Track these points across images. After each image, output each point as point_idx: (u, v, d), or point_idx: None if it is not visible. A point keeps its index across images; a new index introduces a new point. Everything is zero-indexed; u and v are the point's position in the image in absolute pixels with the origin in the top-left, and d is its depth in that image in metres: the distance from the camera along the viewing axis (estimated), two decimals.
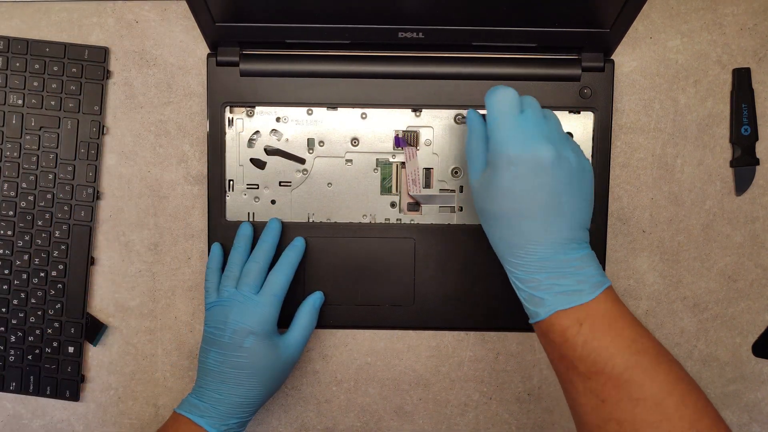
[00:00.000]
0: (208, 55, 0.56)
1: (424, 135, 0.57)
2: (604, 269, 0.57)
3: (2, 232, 0.58)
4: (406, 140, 0.57)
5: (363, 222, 0.58)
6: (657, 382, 0.40)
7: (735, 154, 0.59)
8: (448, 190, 0.58)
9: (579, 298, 0.42)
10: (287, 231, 0.57)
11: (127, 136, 0.59)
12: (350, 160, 0.58)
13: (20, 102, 0.58)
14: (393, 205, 0.58)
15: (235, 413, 0.50)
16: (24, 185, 0.58)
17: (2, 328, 0.59)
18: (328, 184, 0.58)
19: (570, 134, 0.57)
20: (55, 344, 0.59)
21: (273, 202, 0.58)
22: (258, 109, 0.57)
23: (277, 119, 0.57)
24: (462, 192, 0.58)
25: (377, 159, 0.58)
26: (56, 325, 0.59)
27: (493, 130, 0.44)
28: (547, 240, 0.43)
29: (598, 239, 0.57)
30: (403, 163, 0.58)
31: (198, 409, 0.50)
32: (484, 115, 0.48)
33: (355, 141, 0.57)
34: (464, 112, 0.57)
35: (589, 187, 0.46)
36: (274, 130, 0.57)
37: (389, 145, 0.57)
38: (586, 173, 0.46)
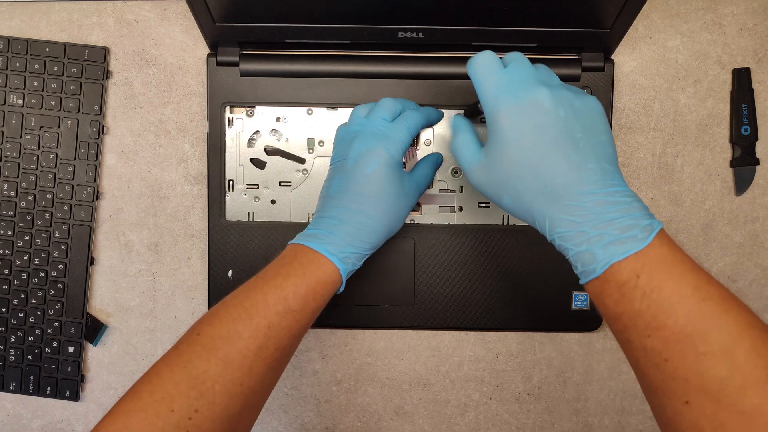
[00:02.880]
0: (208, 55, 0.56)
1: (424, 135, 0.57)
2: None
3: (2, 232, 0.58)
4: None
5: None
6: (725, 330, 0.36)
7: (735, 154, 0.59)
8: (448, 190, 0.58)
9: (633, 245, 0.37)
10: (287, 230, 0.57)
11: (127, 136, 0.59)
12: None
13: (20, 102, 0.58)
14: None
15: (353, 242, 0.47)
16: (24, 185, 0.58)
17: (2, 328, 0.59)
18: None
19: None
20: (55, 344, 0.59)
21: (273, 202, 0.58)
22: (258, 109, 0.57)
23: (277, 119, 0.57)
24: (462, 192, 0.58)
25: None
26: (56, 324, 0.59)
27: (483, 92, 0.42)
28: (580, 183, 0.39)
29: None
30: (403, 163, 0.58)
31: (315, 237, 0.47)
32: (474, 110, 0.49)
33: None
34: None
35: (601, 121, 0.42)
36: (274, 130, 0.57)
37: None
38: (592, 108, 0.42)
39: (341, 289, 0.48)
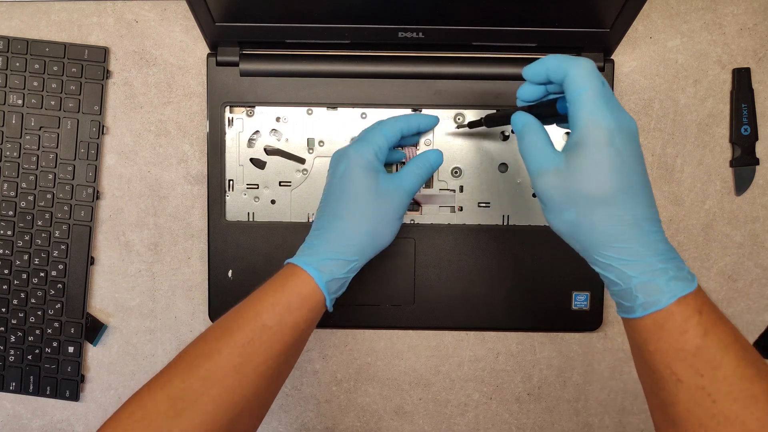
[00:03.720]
0: (208, 55, 0.56)
1: (424, 135, 0.57)
2: None
3: (2, 232, 0.58)
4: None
5: None
6: (766, 379, 0.37)
7: (735, 154, 0.59)
8: (448, 190, 0.58)
9: (690, 284, 0.38)
10: (287, 230, 0.57)
11: (127, 136, 0.59)
12: None
13: (20, 102, 0.58)
14: None
15: (333, 249, 0.46)
16: (24, 185, 0.58)
17: (2, 328, 0.59)
18: None
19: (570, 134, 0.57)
20: (54, 344, 0.59)
21: (273, 202, 0.58)
22: (258, 109, 0.57)
23: (277, 119, 0.57)
24: (462, 192, 0.58)
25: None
26: (56, 324, 0.59)
27: (585, 103, 0.39)
28: (649, 216, 0.39)
29: None
30: (403, 163, 0.58)
31: (300, 251, 0.47)
32: (534, 112, 0.44)
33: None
34: (464, 112, 0.57)
35: None
36: (273, 130, 0.57)
37: None
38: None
39: (329, 304, 0.46)
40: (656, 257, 0.38)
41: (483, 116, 0.52)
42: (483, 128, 0.55)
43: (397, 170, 0.56)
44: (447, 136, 0.57)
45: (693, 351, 0.37)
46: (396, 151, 0.55)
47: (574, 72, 0.39)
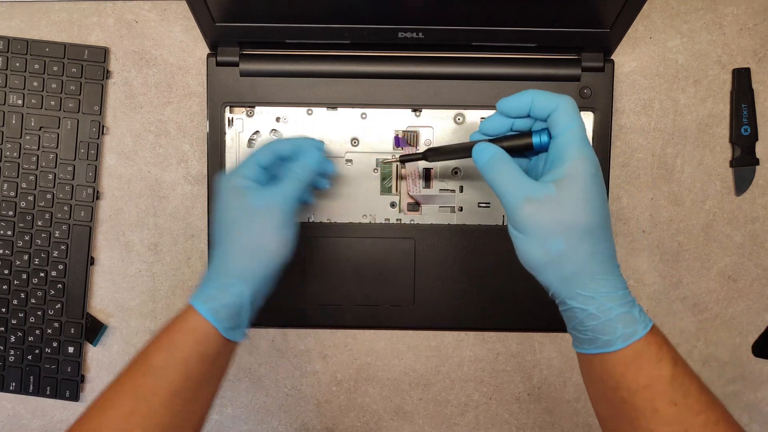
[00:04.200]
0: (208, 55, 0.56)
1: (424, 135, 0.57)
2: None
3: (2, 232, 0.58)
4: (406, 140, 0.57)
5: (363, 222, 0.58)
6: (720, 405, 0.40)
7: (735, 154, 0.59)
8: (448, 190, 0.58)
9: (649, 316, 0.40)
10: None
11: (127, 136, 0.59)
12: (350, 160, 0.58)
13: (20, 102, 0.58)
14: (393, 205, 0.58)
15: (215, 279, 0.44)
16: (24, 185, 0.58)
17: (2, 328, 0.59)
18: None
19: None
20: (54, 344, 0.59)
21: None
22: (258, 109, 0.57)
23: (277, 119, 0.57)
24: (462, 192, 0.58)
25: (377, 159, 0.58)
26: (56, 325, 0.59)
27: (576, 138, 0.40)
28: (614, 247, 0.41)
29: None
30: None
31: (195, 293, 0.45)
32: (502, 145, 0.44)
33: (355, 141, 0.57)
34: (464, 111, 0.57)
35: None
36: (273, 130, 0.57)
37: (389, 145, 0.57)
38: None
39: (224, 332, 0.43)
40: (626, 290, 0.40)
41: (425, 150, 0.49)
42: (422, 162, 0.53)
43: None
44: (447, 136, 0.57)
45: (669, 379, 0.38)
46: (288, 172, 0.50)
47: (564, 108, 0.41)
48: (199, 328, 0.43)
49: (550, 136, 0.42)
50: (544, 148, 0.42)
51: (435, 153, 0.49)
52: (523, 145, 0.43)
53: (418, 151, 0.52)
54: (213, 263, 0.46)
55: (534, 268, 0.41)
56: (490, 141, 0.44)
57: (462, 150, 0.46)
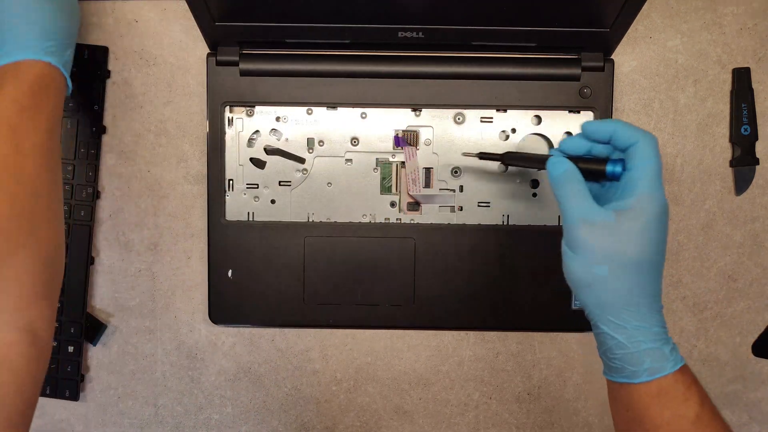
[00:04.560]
0: (208, 55, 0.56)
1: (424, 135, 0.57)
2: None
3: None
4: (405, 140, 0.57)
5: (363, 222, 0.58)
6: None
7: (735, 153, 0.59)
8: (448, 189, 0.58)
9: (680, 356, 0.42)
10: (287, 230, 0.57)
11: (127, 135, 0.59)
12: (350, 160, 0.58)
13: None
14: (393, 204, 0.58)
15: (39, 34, 0.45)
16: None
17: None
18: (328, 183, 0.58)
19: (570, 134, 0.57)
20: (54, 344, 0.59)
21: (273, 201, 0.58)
22: (258, 108, 0.57)
23: (277, 119, 0.57)
24: (462, 192, 0.58)
25: (377, 159, 0.58)
26: (56, 324, 0.58)
27: (650, 175, 0.41)
28: (660, 291, 0.42)
29: None
30: (403, 163, 0.58)
31: (4, 52, 0.45)
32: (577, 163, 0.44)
33: (355, 141, 0.57)
34: (464, 111, 0.57)
35: None
36: (273, 130, 0.57)
37: (389, 144, 0.57)
38: None
39: (70, 87, 0.47)
40: (662, 328, 0.41)
41: (503, 153, 0.52)
42: (497, 163, 0.55)
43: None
44: (447, 135, 0.57)
45: (693, 419, 0.39)
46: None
47: (645, 144, 0.42)
48: (56, 79, 0.45)
49: (623, 168, 0.42)
50: (615, 178, 0.43)
51: (512, 158, 0.52)
52: (596, 170, 0.43)
53: (496, 152, 0.53)
54: (40, 25, 0.45)
55: (575, 286, 0.42)
56: (572, 156, 0.45)
57: (538, 160, 0.47)
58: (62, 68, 0.46)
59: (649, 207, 0.40)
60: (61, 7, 0.47)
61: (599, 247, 0.40)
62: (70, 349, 0.59)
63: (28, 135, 0.43)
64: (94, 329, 0.59)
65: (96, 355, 0.60)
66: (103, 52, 0.58)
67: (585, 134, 0.44)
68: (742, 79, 0.58)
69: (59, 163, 0.46)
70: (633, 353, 0.40)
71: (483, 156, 0.54)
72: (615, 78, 0.57)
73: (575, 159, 0.44)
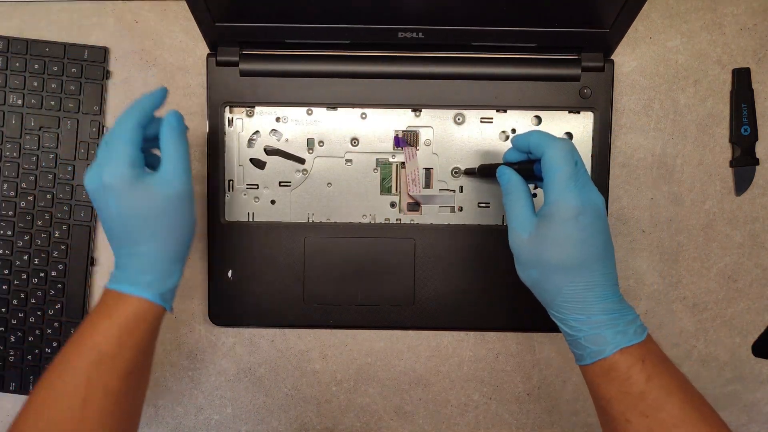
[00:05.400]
0: (208, 55, 0.56)
1: (424, 135, 0.57)
2: None
3: (2, 232, 0.58)
4: (405, 140, 0.57)
5: (363, 222, 0.58)
6: (709, 424, 0.42)
7: (735, 154, 0.59)
8: (448, 190, 0.58)
9: (636, 336, 0.43)
10: (287, 230, 0.57)
11: None
12: (350, 160, 0.58)
13: (20, 102, 0.58)
14: (393, 205, 0.58)
15: (147, 269, 0.45)
16: (24, 185, 0.58)
17: (2, 329, 0.59)
18: (328, 184, 0.58)
19: (570, 134, 0.57)
20: (55, 344, 0.59)
21: (273, 202, 0.58)
22: (258, 109, 0.57)
23: (277, 119, 0.57)
24: (462, 192, 0.58)
25: (377, 159, 0.58)
26: (56, 325, 0.59)
27: (558, 179, 0.44)
28: (606, 282, 0.44)
29: None
30: (402, 163, 0.58)
31: (114, 277, 0.46)
32: (515, 168, 0.48)
33: (354, 141, 0.57)
34: (464, 111, 0.57)
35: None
36: (273, 130, 0.57)
37: (389, 145, 0.57)
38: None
39: (170, 308, 0.46)
40: (605, 315, 0.44)
41: (477, 166, 0.56)
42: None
43: None
44: (447, 136, 0.57)
45: (637, 395, 0.42)
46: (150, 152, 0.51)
47: (551, 154, 0.44)
48: (146, 313, 0.45)
49: None
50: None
51: (483, 170, 0.55)
52: (527, 173, 0.48)
53: (473, 168, 0.57)
54: (135, 253, 0.45)
55: (525, 285, 0.47)
56: (512, 164, 0.49)
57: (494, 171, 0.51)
58: (160, 299, 0.45)
59: (561, 212, 0.43)
60: (174, 233, 0.46)
61: (527, 254, 0.45)
62: None
63: (97, 394, 0.43)
64: None
65: None
66: (103, 52, 0.58)
67: (514, 146, 0.49)
68: (742, 80, 0.58)
69: (140, 398, 0.46)
70: (576, 340, 0.44)
71: (468, 172, 0.57)
72: (615, 78, 0.57)
73: (516, 162, 0.49)
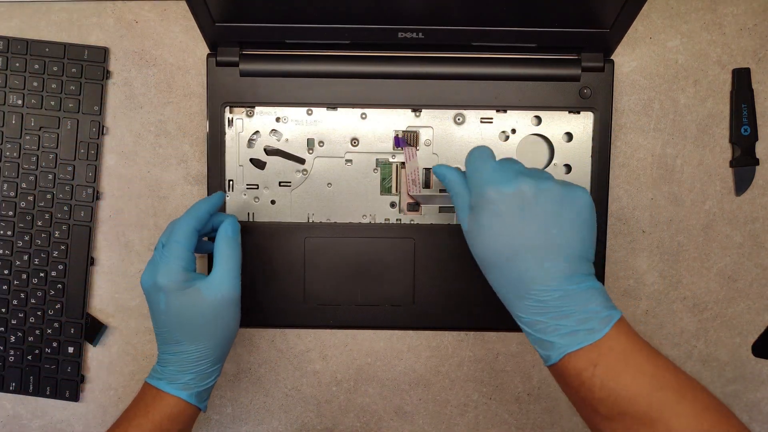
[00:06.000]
0: (208, 55, 0.56)
1: (424, 135, 0.57)
2: (603, 270, 0.57)
3: (2, 232, 0.58)
4: (405, 140, 0.57)
5: (363, 222, 0.58)
6: (683, 416, 0.38)
7: (735, 154, 0.59)
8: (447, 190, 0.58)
9: (588, 336, 0.40)
10: (287, 230, 0.57)
11: (127, 136, 0.59)
12: (350, 161, 0.58)
13: (20, 102, 0.58)
14: (393, 205, 0.58)
15: (188, 369, 0.48)
16: (24, 185, 0.58)
17: (2, 329, 0.59)
18: (328, 184, 0.58)
19: (570, 135, 0.57)
20: (54, 344, 0.59)
21: (273, 202, 0.58)
22: (258, 109, 0.57)
23: (277, 119, 0.57)
24: None
25: (377, 159, 0.58)
26: (56, 325, 0.59)
27: (471, 176, 0.45)
28: (542, 277, 0.41)
29: (598, 239, 0.57)
30: (402, 163, 0.58)
31: (156, 372, 0.49)
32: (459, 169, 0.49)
33: (354, 141, 0.57)
34: (464, 112, 0.57)
35: (584, 215, 0.43)
36: (273, 131, 0.57)
37: (389, 145, 0.57)
38: (578, 201, 0.43)
39: (204, 408, 0.49)
40: (549, 315, 0.40)
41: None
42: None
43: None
44: (447, 136, 0.57)
45: (595, 401, 0.39)
46: (205, 243, 0.54)
47: (468, 158, 0.46)
48: (182, 412, 0.47)
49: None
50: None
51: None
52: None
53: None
54: (181, 355, 0.48)
55: None
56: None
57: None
58: (195, 399, 0.48)
59: (479, 207, 0.43)
60: (216, 336, 0.48)
61: (471, 249, 0.45)
62: (70, 349, 0.59)
63: None
64: (94, 330, 0.59)
65: (96, 355, 0.60)
66: (103, 52, 0.58)
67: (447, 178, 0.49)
68: (742, 80, 0.58)
69: None
70: (531, 342, 0.43)
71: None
72: (615, 78, 0.57)
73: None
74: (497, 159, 0.46)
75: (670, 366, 0.40)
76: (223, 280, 0.48)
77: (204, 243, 0.54)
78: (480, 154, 0.45)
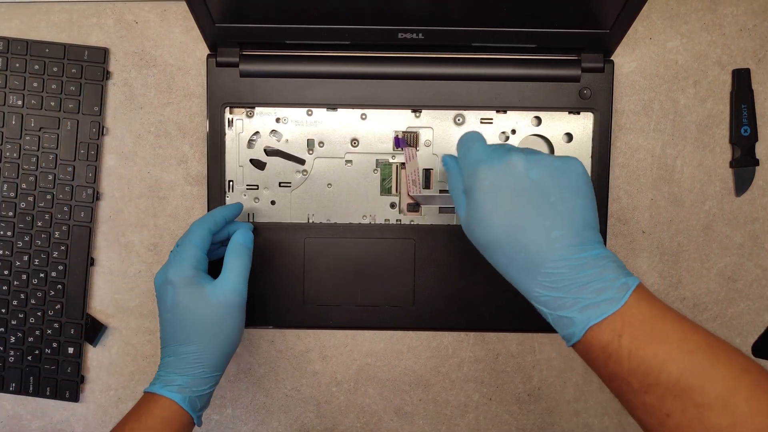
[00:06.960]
0: (208, 56, 0.56)
1: (424, 135, 0.57)
2: None
3: (2, 232, 0.58)
4: (405, 141, 0.57)
5: (363, 223, 0.58)
6: (719, 380, 0.35)
7: (735, 154, 0.59)
8: (447, 190, 0.58)
9: (609, 307, 0.38)
10: (287, 231, 0.57)
11: (127, 136, 0.59)
12: (350, 161, 0.58)
13: (20, 103, 0.58)
14: (393, 205, 0.58)
15: (185, 372, 0.47)
16: (24, 186, 0.58)
17: (2, 329, 0.59)
18: (328, 184, 0.58)
19: (570, 135, 0.57)
20: (54, 345, 0.59)
21: (273, 202, 0.58)
22: (258, 109, 0.57)
23: (277, 120, 0.57)
24: None
25: (377, 159, 0.58)
26: (56, 325, 0.59)
27: (462, 158, 0.45)
28: (552, 248, 0.39)
29: None
30: (402, 164, 0.58)
31: (156, 378, 0.48)
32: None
33: (354, 142, 0.57)
34: (464, 112, 0.57)
35: (581, 183, 0.42)
36: (273, 131, 0.57)
37: (389, 145, 0.57)
38: (572, 170, 0.42)
39: (197, 421, 0.48)
40: (565, 289, 0.39)
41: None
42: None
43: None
44: (447, 136, 0.57)
45: (624, 374, 0.37)
46: (220, 248, 0.55)
47: (458, 143, 0.46)
48: (175, 417, 0.47)
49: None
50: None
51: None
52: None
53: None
54: (184, 358, 0.48)
55: None
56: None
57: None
58: (188, 405, 0.47)
59: (472, 188, 0.42)
60: (217, 340, 0.48)
61: (472, 239, 0.44)
62: (70, 350, 0.59)
63: None
64: (94, 330, 0.59)
65: (96, 356, 0.60)
66: (103, 53, 0.58)
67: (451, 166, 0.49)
68: (742, 80, 0.58)
69: None
70: (551, 321, 0.41)
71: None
72: (615, 79, 0.57)
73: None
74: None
75: (698, 329, 0.38)
76: (229, 284, 0.49)
77: (219, 249, 0.55)
78: (469, 137, 0.46)
